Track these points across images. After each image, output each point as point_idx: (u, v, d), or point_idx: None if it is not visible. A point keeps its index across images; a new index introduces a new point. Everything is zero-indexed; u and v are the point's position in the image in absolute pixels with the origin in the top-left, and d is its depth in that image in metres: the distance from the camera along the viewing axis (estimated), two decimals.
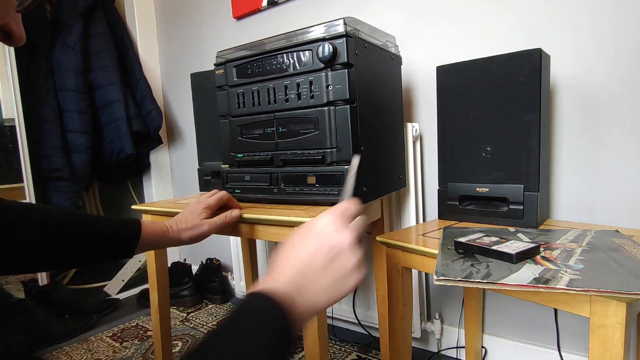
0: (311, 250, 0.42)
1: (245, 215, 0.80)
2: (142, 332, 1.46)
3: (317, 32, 0.78)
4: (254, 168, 0.89)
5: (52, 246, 0.59)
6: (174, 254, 1.99)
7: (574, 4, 0.91)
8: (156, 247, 0.73)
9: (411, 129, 1.09)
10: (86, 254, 0.63)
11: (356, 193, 0.54)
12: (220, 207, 0.81)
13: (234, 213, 0.80)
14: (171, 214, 0.92)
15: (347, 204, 0.48)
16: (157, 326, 1.05)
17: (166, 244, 0.74)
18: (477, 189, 0.86)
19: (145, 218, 1.00)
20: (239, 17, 1.57)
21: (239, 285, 1.57)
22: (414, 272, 1.07)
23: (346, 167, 0.77)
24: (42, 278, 1.65)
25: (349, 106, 0.75)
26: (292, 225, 0.74)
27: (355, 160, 0.57)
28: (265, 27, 1.50)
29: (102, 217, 0.66)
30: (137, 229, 0.68)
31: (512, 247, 0.64)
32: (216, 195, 0.80)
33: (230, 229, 0.85)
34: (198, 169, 1.22)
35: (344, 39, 0.74)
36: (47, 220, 0.59)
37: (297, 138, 0.82)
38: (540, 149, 0.79)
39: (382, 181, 0.90)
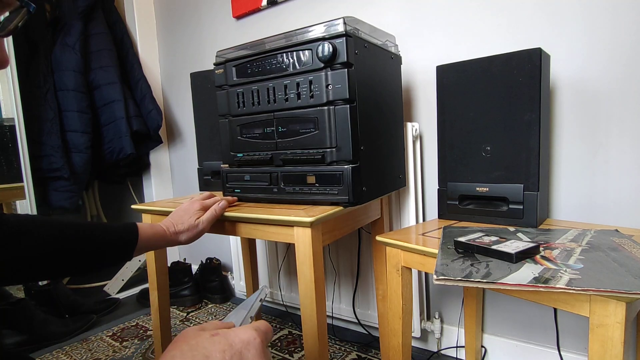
0: None
1: (245, 215, 0.80)
2: (142, 331, 1.46)
3: (317, 32, 0.78)
4: (254, 168, 0.89)
5: (52, 258, 0.60)
6: (174, 254, 1.99)
7: (574, 4, 0.91)
8: (154, 249, 0.75)
9: (411, 129, 1.09)
10: (85, 262, 0.64)
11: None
12: None
13: (221, 204, 0.81)
14: None
15: (269, 327, 0.42)
16: (157, 326, 1.05)
17: (163, 246, 0.76)
18: (477, 189, 0.86)
19: (145, 218, 1.00)
20: (238, 17, 1.57)
21: (238, 284, 1.57)
22: (414, 272, 1.07)
23: (346, 167, 0.76)
24: None
25: (348, 106, 0.75)
26: (292, 224, 0.74)
27: (266, 291, 0.53)
28: (265, 26, 1.50)
29: (99, 224, 0.68)
30: (134, 233, 0.69)
31: (511, 246, 0.64)
32: (213, 199, 0.83)
33: (230, 228, 0.85)
34: (198, 168, 1.22)
35: (344, 38, 0.74)
36: (46, 233, 0.59)
37: (296, 138, 0.82)
38: (540, 149, 0.79)
39: (382, 181, 0.90)
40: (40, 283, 1.62)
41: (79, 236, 0.63)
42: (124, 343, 1.37)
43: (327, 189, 0.79)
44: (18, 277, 0.59)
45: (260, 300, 0.50)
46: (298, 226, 0.73)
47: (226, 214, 0.83)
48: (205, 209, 0.80)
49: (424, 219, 1.17)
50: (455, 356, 1.17)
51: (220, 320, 0.48)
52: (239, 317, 0.46)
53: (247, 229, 0.82)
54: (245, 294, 1.41)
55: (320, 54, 0.75)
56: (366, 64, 0.81)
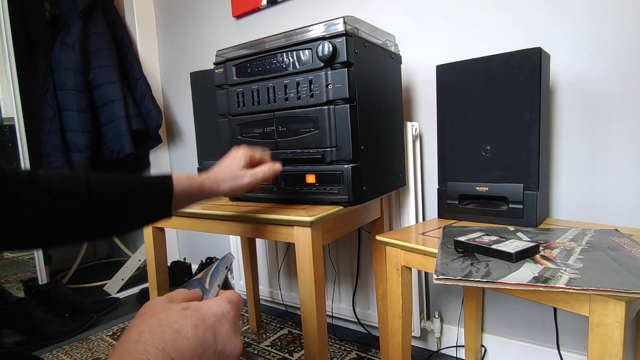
0: (199, 350, 0.33)
1: (245, 215, 0.80)
2: None
3: (317, 31, 0.78)
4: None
5: (79, 216, 0.53)
6: (173, 254, 1.99)
7: (574, 3, 0.91)
8: (192, 202, 0.66)
9: (411, 128, 1.09)
10: (116, 220, 0.57)
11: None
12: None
13: (276, 166, 0.73)
14: None
15: (239, 295, 0.41)
16: None
17: (203, 197, 0.67)
18: (477, 188, 0.86)
19: None
20: (238, 16, 1.57)
21: (238, 284, 1.57)
22: (414, 271, 1.07)
23: (346, 166, 0.76)
24: (42, 277, 1.65)
25: (348, 105, 0.75)
26: (292, 224, 0.74)
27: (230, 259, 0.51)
28: (265, 26, 1.50)
29: (130, 176, 0.59)
30: (169, 185, 0.61)
31: (511, 246, 0.64)
32: (258, 148, 0.74)
33: (230, 228, 0.85)
34: (198, 168, 1.22)
35: (344, 38, 0.74)
36: (73, 190, 0.53)
37: (296, 137, 0.82)
38: (540, 148, 0.79)
39: (382, 180, 0.90)
40: (40, 282, 1.62)
41: (106, 191, 0.55)
42: None
43: (327, 188, 0.79)
44: (49, 238, 0.53)
45: (227, 268, 0.48)
46: (298, 226, 0.73)
47: (226, 213, 0.83)
48: (251, 161, 0.72)
49: (423, 219, 1.17)
50: (455, 355, 1.17)
51: (182, 287, 0.44)
52: (206, 285, 0.44)
53: (247, 229, 0.82)
54: (246, 293, 1.41)
55: (320, 54, 0.75)
56: (366, 63, 0.80)
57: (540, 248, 0.65)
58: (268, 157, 0.77)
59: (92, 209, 0.54)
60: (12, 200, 0.48)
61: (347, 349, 1.25)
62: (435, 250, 0.69)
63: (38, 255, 1.65)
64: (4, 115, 1.52)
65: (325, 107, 0.77)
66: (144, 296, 1.73)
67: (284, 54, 0.81)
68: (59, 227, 0.53)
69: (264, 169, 0.72)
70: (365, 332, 1.30)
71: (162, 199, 0.60)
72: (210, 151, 1.19)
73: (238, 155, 0.71)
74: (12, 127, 1.53)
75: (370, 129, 0.82)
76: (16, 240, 0.51)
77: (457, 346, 1.17)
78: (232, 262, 0.50)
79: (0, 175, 0.48)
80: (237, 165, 0.69)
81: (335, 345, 1.28)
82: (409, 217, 1.12)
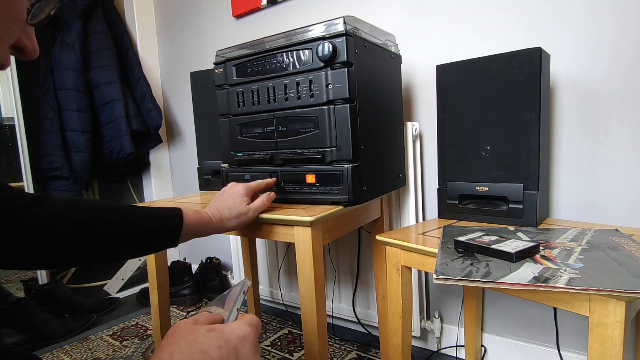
0: None
1: None
2: (142, 330, 1.46)
3: (317, 31, 0.78)
4: (254, 167, 0.89)
5: (89, 243, 0.57)
6: (173, 253, 1.99)
7: (574, 3, 0.91)
8: (198, 236, 0.70)
9: (411, 128, 1.09)
10: (126, 248, 0.61)
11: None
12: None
13: (271, 194, 0.79)
14: None
15: (258, 319, 0.44)
16: (157, 325, 1.05)
17: (208, 233, 0.70)
18: (477, 188, 0.86)
19: None
20: (238, 16, 1.57)
21: None
22: (414, 271, 1.07)
23: (346, 166, 0.76)
24: (42, 277, 1.65)
25: (348, 105, 0.75)
26: (292, 224, 0.74)
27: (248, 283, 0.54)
28: (265, 25, 1.50)
29: (142, 208, 0.63)
30: (179, 219, 0.65)
31: (511, 246, 0.64)
32: (256, 183, 0.80)
33: None
34: (198, 167, 1.22)
35: (344, 37, 0.74)
36: (84, 217, 0.56)
37: (296, 137, 0.82)
38: (540, 148, 0.79)
39: (382, 180, 0.90)
40: (40, 282, 1.62)
41: (118, 220, 0.59)
42: (124, 342, 1.38)
43: (327, 188, 0.79)
44: (57, 261, 0.56)
45: (244, 292, 0.50)
46: (298, 225, 0.73)
47: None
48: (249, 193, 0.76)
49: (423, 219, 1.17)
50: (455, 355, 1.17)
51: (204, 310, 0.47)
52: (226, 309, 0.46)
53: (247, 228, 0.82)
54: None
55: (320, 54, 0.75)
56: (366, 63, 0.80)
57: (540, 248, 0.65)
58: (261, 184, 0.81)
59: (103, 237, 0.57)
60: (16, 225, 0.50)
61: (347, 349, 1.25)
62: (435, 250, 0.69)
63: None
64: (4, 115, 1.52)
65: (325, 107, 0.77)
66: (144, 296, 1.73)
67: (284, 54, 0.81)
68: (66, 253, 0.55)
69: (263, 200, 0.77)
70: (365, 332, 1.30)
71: (172, 232, 0.64)
72: (210, 151, 1.19)
73: (240, 192, 0.74)
74: (12, 127, 1.53)
75: (370, 129, 0.82)
76: (29, 262, 0.54)
77: (457, 346, 1.17)
78: (248, 287, 0.53)
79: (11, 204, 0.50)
80: (240, 202, 0.73)
81: (335, 345, 1.28)
82: (409, 217, 1.12)
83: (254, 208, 0.74)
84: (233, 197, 0.74)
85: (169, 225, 0.64)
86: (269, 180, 0.81)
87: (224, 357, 0.36)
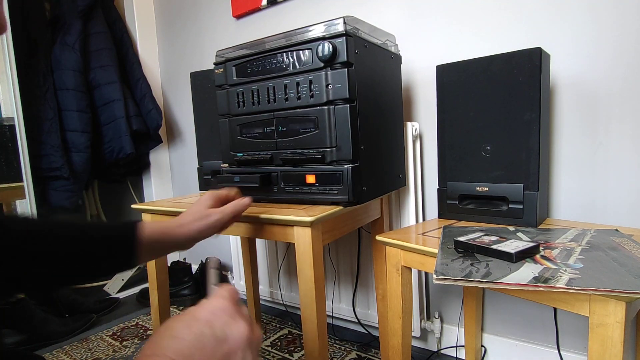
0: (198, 344, 0.35)
1: (245, 215, 0.80)
2: (142, 331, 1.46)
3: (317, 31, 0.78)
4: (254, 167, 0.89)
5: (42, 261, 0.51)
6: (173, 254, 1.99)
7: (574, 3, 0.91)
8: (162, 251, 0.65)
9: (411, 128, 1.09)
10: (79, 266, 0.55)
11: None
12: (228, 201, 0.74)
13: (244, 200, 0.72)
14: (171, 213, 0.92)
15: (231, 288, 0.42)
16: (157, 325, 1.05)
17: (172, 243, 0.65)
18: (477, 188, 0.86)
19: (145, 217, 1.00)
20: (238, 16, 1.57)
21: (238, 284, 1.57)
22: (414, 271, 1.07)
23: (346, 166, 0.76)
24: None
25: (348, 105, 0.75)
26: (292, 224, 0.74)
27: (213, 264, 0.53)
28: (265, 26, 1.50)
29: (94, 223, 0.57)
30: (131, 230, 0.58)
31: (511, 246, 0.64)
32: (225, 189, 0.74)
33: (230, 228, 0.84)
34: (198, 168, 1.22)
35: (344, 38, 0.74)
36: (35, 233, 0.52)
37: (296, 137, 0.82)
38: (540, 148, 0.79)
39: (382, 180, 0.90)
40: None
41: (69, 235, 0.54)
42: (124, 342, 1.38)
43: (327, 188, 0.79)
44: (10, 286, 0.51)
45: (216, 269, 0.52)
46: (298, 226, 0.73)
47: None
48: (218, 200, 0.71)
49: (423, 219, 1.17)
50: (455, 356, 1.17)
51: None
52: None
53: (247, 229, 0.82)
54: (245, 293, 1.41)
55: (320, 54, 0.75)
56: (366, 63, 0.80)
57: (540, 248, 0.65)
58: (236, 193, 0.76)
59: (53, 254, 0.52)
60: None
61: (347, 349, 1.25)
62: (435, 250, 0.69)
63: None
64: (4, 115, 1.52)
65: (325, 107, 0.77)
66: (144, 296, 1.73)
67: (284, 54, 0.81)
68: (20, 274, 0.51)
69: (233, 204, 0.71)
70: (365, 332, 1.30)
71: (126, 246, 0.58)
72: (210, 151, 1.19)
73: (203, 198, 0.70)
74: (12, 127, 1.53)
75: (370, 129, 0.82)
76: None
77: (457, 346, 1.17)
78: (216, 262, 0.53)
79: None
80: (203, 206, 0.68)
81: (335, 345, 1.28)
82: (409, 217, 1.11)
83: (219, 210, 0.69)
84: (196, 204, 0.70)
85: (120, 239, 0.59)
86: (245, 199, 0.74)
87: (196, 333, 0.36)
